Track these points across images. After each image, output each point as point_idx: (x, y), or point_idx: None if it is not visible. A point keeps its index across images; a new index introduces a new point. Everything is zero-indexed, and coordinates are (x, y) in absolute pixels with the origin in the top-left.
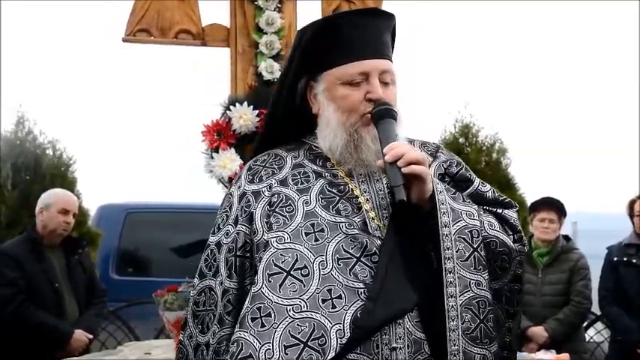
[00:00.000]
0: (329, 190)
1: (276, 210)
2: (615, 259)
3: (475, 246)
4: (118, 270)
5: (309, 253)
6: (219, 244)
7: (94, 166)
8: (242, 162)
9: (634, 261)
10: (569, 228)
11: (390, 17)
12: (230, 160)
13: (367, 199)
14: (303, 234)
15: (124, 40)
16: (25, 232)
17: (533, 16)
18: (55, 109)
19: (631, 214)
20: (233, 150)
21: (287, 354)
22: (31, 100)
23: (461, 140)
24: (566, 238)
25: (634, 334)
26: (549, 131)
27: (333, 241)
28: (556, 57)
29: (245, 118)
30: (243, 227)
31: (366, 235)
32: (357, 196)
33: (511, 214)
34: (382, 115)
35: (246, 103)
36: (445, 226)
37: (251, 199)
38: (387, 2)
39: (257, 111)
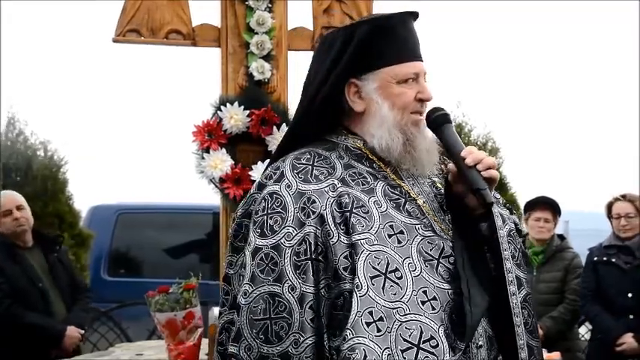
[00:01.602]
0: (392, 192)
1: (353, 211)
2: (595, 259)
3: (519, 247)
4: (110, 271)
5: (397, 255)
6: (278, 247)
7: (86, 167)
8: (233, 162)
9: (613, 260)
10: (562, 227)
11: (417, 20)
12: (221, 160)
13: (424, 202)
14: (386, 235)
15: (114, 41)
16: None
17: (527, 14)
18: (45, 110)
19: (609, 216)
20: (224, 150)
21: (405, 358)
22: (22, 101)
23: None
24: (561, 237)
25: (614, 333)
26: (542, 130)
27: (414, 242)
28: (550, 55)
29: (236, 118)
30: (314, 229)
31: (439, 237)
32: (414, 199)
33: (515, 219)
34: (443, 120)
35: (237, 104)
36: (499, 228)
37: (317, 200)
38: (377, 2)
39: (248, 111)
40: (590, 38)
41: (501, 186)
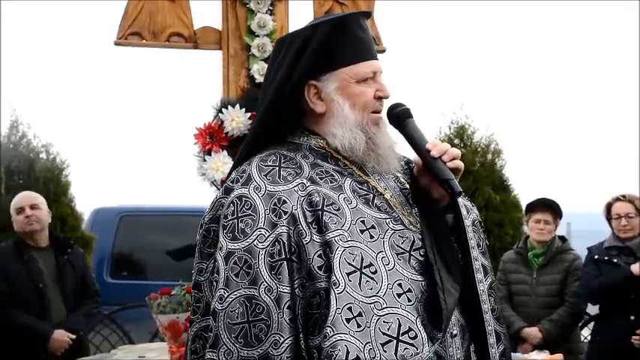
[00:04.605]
0: (360, 188)
1: (325, 209)
2: (596, 257)
3: (482, 236)
4: (113, 273)
5: (370, 250)
6: (251, 250)
7: (88, 170)
8: None
9: (614, 260)
10: (564, 228)
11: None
12: (222, 162)
13: (391, 196)
14: (358, 231)
15: (116, 44)
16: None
17: (530, 16)
18: (48, 112)
19: (608, 217)
20: (225, 152)
21: (385, 351)
22: (25, 103)
23: (456, 141)
24: (562, 238)
25: (614, 333)
26: (545, 132)
27: (386, 236)
28: (552, 57)
29: (237, 120)
30: (286, 229)
31: (409, 230)
32: (382, 193)
33: (476, 211)
34: (405, 115)
35: (238, 106)
36: (465, 218)
37: (287, 200)
38: (378, 3)
39: (249, 113)
40: (591, 38)
41: (504, 187)
